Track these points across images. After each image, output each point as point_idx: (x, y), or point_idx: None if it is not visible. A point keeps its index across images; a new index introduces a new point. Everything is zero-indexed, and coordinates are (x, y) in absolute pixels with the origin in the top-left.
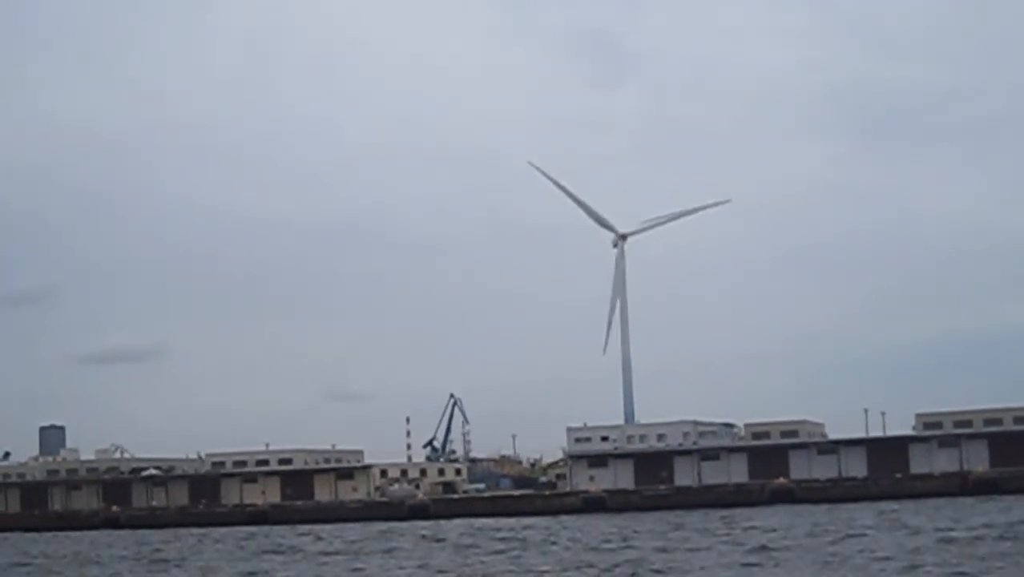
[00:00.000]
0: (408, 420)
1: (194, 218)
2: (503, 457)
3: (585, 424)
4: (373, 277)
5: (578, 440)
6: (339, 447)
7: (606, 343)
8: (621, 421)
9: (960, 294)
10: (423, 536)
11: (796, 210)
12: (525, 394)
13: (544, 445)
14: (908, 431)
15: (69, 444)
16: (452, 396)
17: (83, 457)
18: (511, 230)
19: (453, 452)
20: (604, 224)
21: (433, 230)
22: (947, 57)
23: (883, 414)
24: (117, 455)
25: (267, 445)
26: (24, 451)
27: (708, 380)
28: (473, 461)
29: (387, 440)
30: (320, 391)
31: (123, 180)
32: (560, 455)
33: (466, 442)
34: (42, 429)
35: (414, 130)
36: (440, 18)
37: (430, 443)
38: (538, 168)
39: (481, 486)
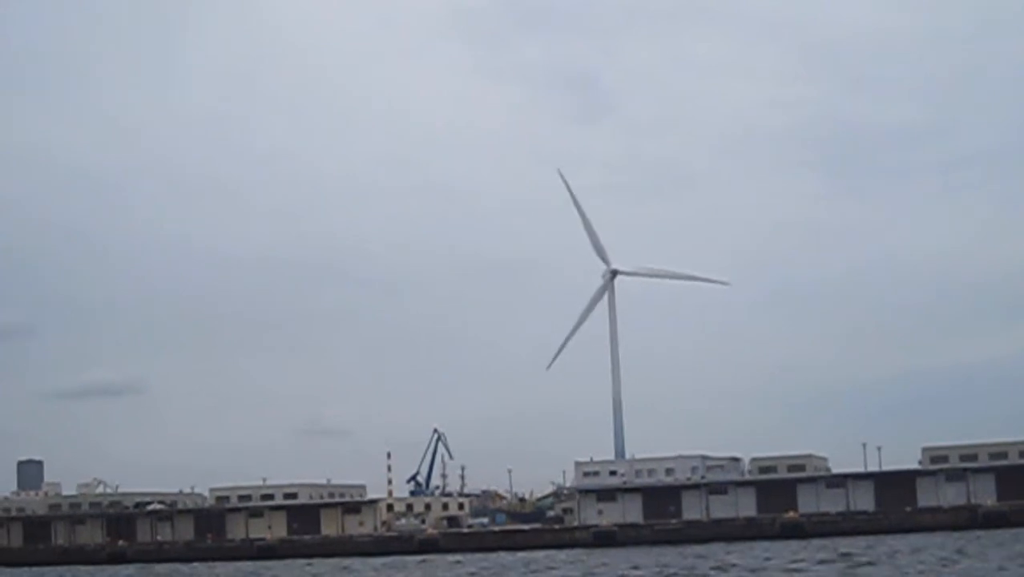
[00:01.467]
0: (389, 455)
1: (171, 254)
2: (484, 492)
3: (592, 458)
4: (350, 312)
5: (586, 474)
6: (335, 481)
7: (552, 361)
8: (610, 456)
9: (936, 329)
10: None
11: (771, 247)
12: (506, 429)
13: (529, 479)
14: (898, 465)
15: (47, 478)
16: (436, 431)
17: (64, 492)
18: (486, 265)
19: (438, 487)
20: (602, 256)
21: (409, 266)
22: (921, 94)
23: (879, 449)
24: (100, 489)
25: (264, 480)
26: (2, 485)
27: (691, 416)
28: (464, 496)
29: (364, 476)
30: (296, 427)
31: (100, 215)
32: (550, 488)
33: (460, 477)
34: (20, 463)
35: (391, 167)
36: (416, 55)
37: (414, 478)
38: (563, 177)
39: (485, 520)
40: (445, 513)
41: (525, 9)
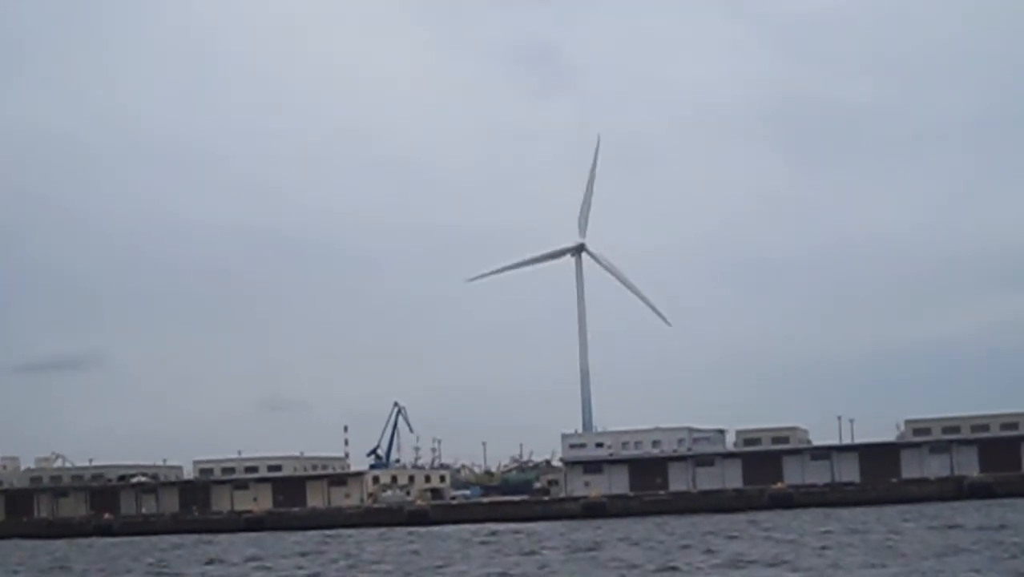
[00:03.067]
0: (346, 428)
1: (132, 223)
2: (441, 465)
3: (576, 431)
4: (310, 286)
5: (572, 446)
6: (319, 454)
7: (475, 278)
8: (577, 429)
9: (907, 304)
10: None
11: (731, 223)
12: (463, 402)
13: (490, 453)
14: (873, 438)
15: (2, 452)
16: (396, 404)
17: (23, 466)
18: (447, 239)
19: (397, 460)
20: (581, 229)
21: (370, 238)
22: (883, 70)
23: (852, 422)
24: (58, 463)
25: (239, 452)
26: None
27: (661, 389)
28: (419, 468)
29: (322, 449)
30: (255, 399)
31: (60, 183)
32: (507, 462)
33: (432, 451)
34: None
35: (352, 141)
36: (378, 29)
37: (374, 451)
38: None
39: (467, 492)
40: (428, 485)
41: None
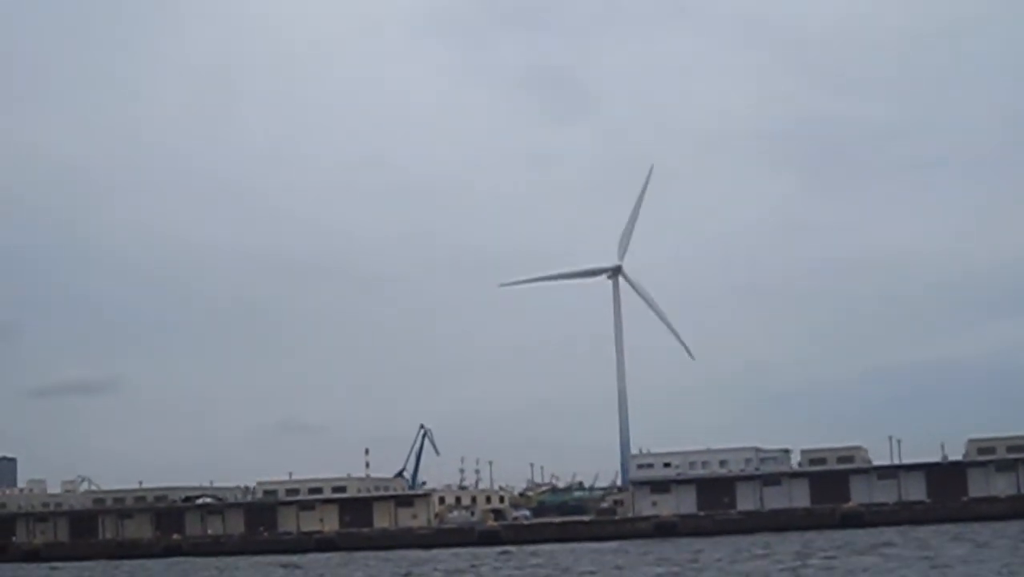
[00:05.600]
0: (367, 451)
1: (150, 249)
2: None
3: (641, 450)
4: (329, 308)
5: (640, 466)
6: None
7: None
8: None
9: (916, 327)
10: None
11: (748, 245)
12: (489, 425)
13: (507, 475)
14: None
15: (25, 476)
16: (422, 427)
17: (49, 490)
18: (464, 261)
19: (423, 483)
20: (622, 250)
21: (390, 262)
22: (896, 92)
23: (899, 441)
24: (84, 487)
25: (290, 474)
26: None
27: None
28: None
29: (342, 472)
30: (273, 423)
31: (78, 209)
32: (545, 484)
33: (475, 472)
34: None
35: (371, 165)
36: (395, 54)
37: (400, 474)
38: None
39: (527, 513)
40: (489, 506)
41: (504, 8)
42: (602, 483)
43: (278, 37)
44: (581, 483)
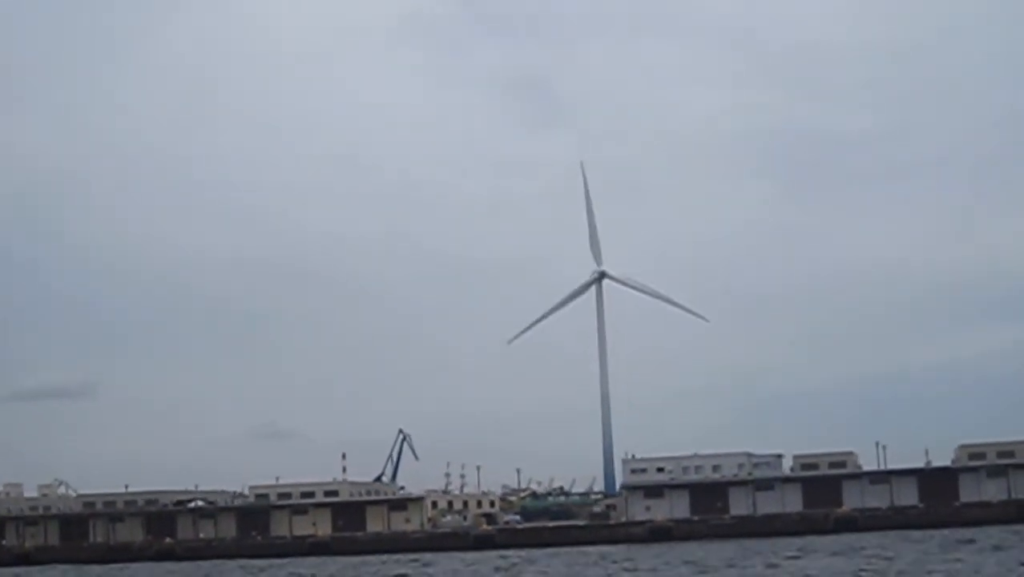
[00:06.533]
0: (344, 456)
1: (129, 251)
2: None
3: (632, 455)
4: (305, 315)
5: (633, 471)
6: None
7: (516, 337)
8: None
9: (899, 333)
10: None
11: (733, 253)
12: (466, 430)
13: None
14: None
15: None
16: (401, 431)
17: (27, 494)
18: (447, 266)
19: (402, 488)
20: (596, 256)
21: (370, 267)
22: (874, 101)
23: (884, 447)
24: (62, 490)
25: (277, 478)
26: None
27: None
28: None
29: (318, 477)
30: (248, 428)
31: (56, 210)
32: (524, 489)
33: (461, 477)
34: None
35: (349, 170)
36: (372, 59)
37: (378, 479)
38: (583, 171)
39: (518, 517)
40: (480, 510)
41: (482, 14)
42: (579, 488)
43: (257, 39)
44: (562, 488)
